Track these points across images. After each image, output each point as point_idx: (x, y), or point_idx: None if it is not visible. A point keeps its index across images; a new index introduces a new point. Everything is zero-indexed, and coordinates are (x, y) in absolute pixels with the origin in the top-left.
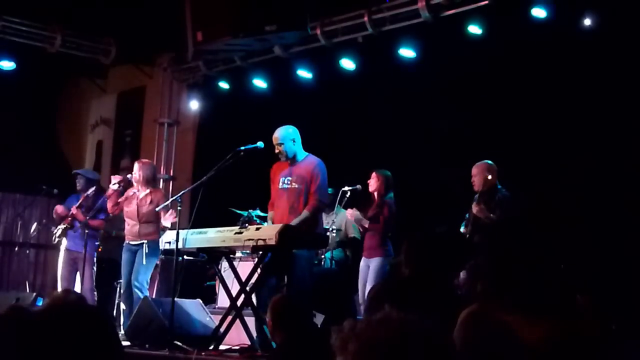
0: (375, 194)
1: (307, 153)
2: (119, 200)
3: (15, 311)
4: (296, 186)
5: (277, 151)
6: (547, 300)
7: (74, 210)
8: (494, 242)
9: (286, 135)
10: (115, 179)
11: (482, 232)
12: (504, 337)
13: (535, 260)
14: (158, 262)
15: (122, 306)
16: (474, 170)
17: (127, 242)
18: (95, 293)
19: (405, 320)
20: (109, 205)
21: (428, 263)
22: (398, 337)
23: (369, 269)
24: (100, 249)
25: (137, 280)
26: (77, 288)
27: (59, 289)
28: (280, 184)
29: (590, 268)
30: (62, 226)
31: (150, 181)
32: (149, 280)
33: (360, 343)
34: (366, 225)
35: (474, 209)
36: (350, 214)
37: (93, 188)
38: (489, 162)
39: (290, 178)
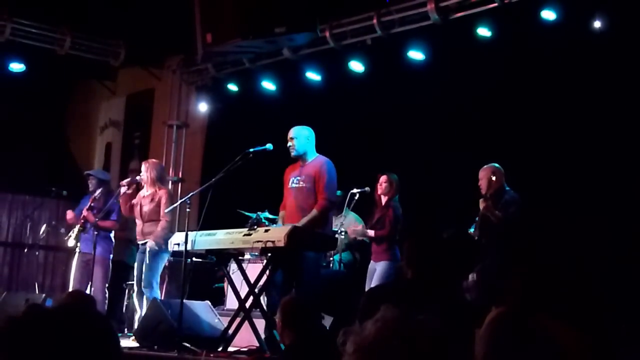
0: (384, 197)
1: (317, 154)
2: (132, 202)
3: (35, 310)
4: (304, 185)
5: (288, 144)
6: (580, 306)
7: (85, 212)
8: (504, 244)
9: (301, 132)
10: (124, 183)
11: (490, 235)
12: (543, 340)
13: (566, 265)
14: (166, 263)
15: (137, 306)
16: (481, 173)
17: (137, 242)
18: (107, 294)
19: (400, 319)
20: (122, 207)
21: (430, 264)
22: (392, 337)
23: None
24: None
25: (145, 280)
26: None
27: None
28: (290, 183)
29: (598, 270)
30: (76, 229)
31: (157, 181)
32: (158, 280)
33: (356, 344)
34: (372, 235)
35: (481, 204)
36: (352, 231)
37: (100, 189)
38: (495, 164)
39: (299, 177)
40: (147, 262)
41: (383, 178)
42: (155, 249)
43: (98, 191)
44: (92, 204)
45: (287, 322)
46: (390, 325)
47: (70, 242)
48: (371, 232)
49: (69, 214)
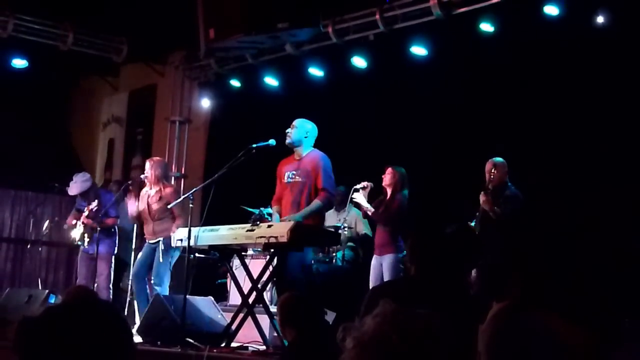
0: (389, 189)
1: (312, 148)
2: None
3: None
4: (300, 180)
5: (287, 130)
6: (580, 302)
7: (85, 221)
8: (505, 240)
9: (303, 125)
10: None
11: (491, 230)
12: (543, 335)
13: (565, 262)
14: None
15: (135, 302)
16: (486, 167)
17: (147, 241)
18: (111, 291)
19: (399, 313)
20: (129, 207)
21: (433, 261)
22: (391, 332)
23: (381, 266)
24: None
25: (156, 278)
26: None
27: None
28: (286, 178)
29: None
30: (78, 230)
31: (161, 179)
32: (170, 277)
33: (355, 340)
34: (369, 214)
35: (481, 198)
36: (360, 194)
37: (96, 200)
38: (499, 159)
39: (294, 172)
40: (161, 260)
41: (388, 170)
42: (167, 245)
43: (94, 203)
44: (89, 214)
45: (287, 319)
46: (389, 320)
47: (75, 234)
48: (371, 209)
49: (70, 220)
